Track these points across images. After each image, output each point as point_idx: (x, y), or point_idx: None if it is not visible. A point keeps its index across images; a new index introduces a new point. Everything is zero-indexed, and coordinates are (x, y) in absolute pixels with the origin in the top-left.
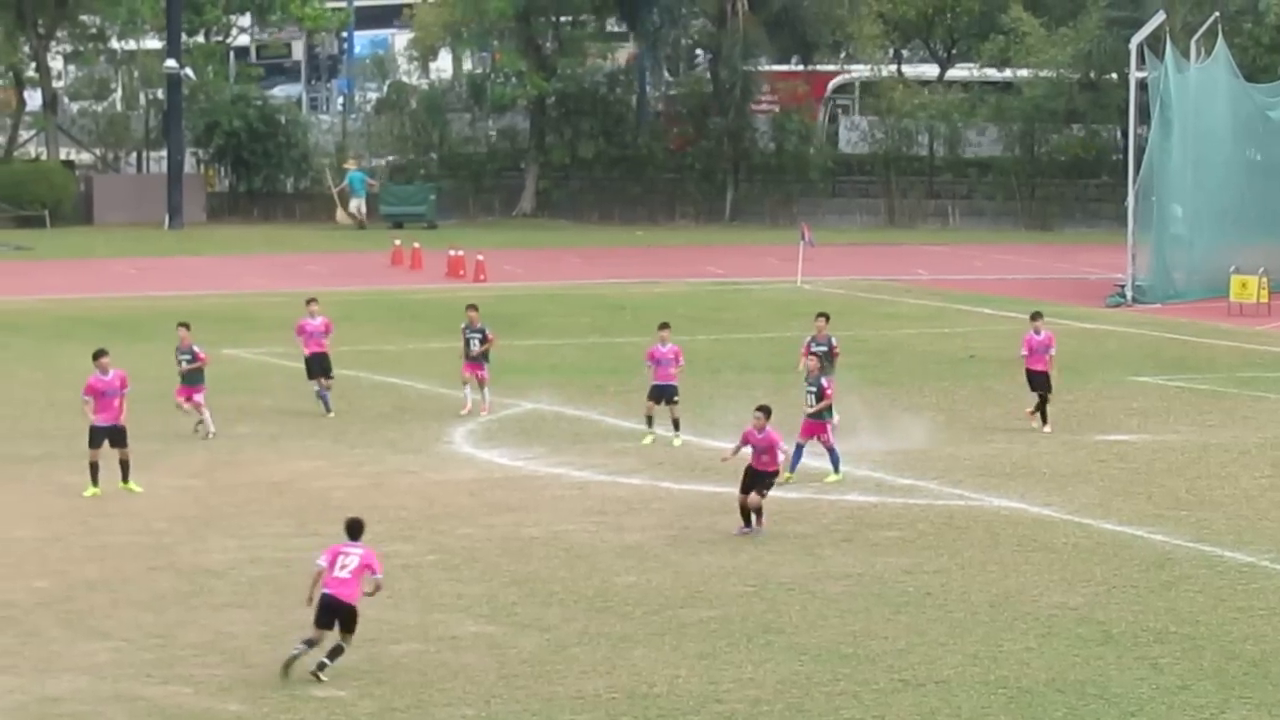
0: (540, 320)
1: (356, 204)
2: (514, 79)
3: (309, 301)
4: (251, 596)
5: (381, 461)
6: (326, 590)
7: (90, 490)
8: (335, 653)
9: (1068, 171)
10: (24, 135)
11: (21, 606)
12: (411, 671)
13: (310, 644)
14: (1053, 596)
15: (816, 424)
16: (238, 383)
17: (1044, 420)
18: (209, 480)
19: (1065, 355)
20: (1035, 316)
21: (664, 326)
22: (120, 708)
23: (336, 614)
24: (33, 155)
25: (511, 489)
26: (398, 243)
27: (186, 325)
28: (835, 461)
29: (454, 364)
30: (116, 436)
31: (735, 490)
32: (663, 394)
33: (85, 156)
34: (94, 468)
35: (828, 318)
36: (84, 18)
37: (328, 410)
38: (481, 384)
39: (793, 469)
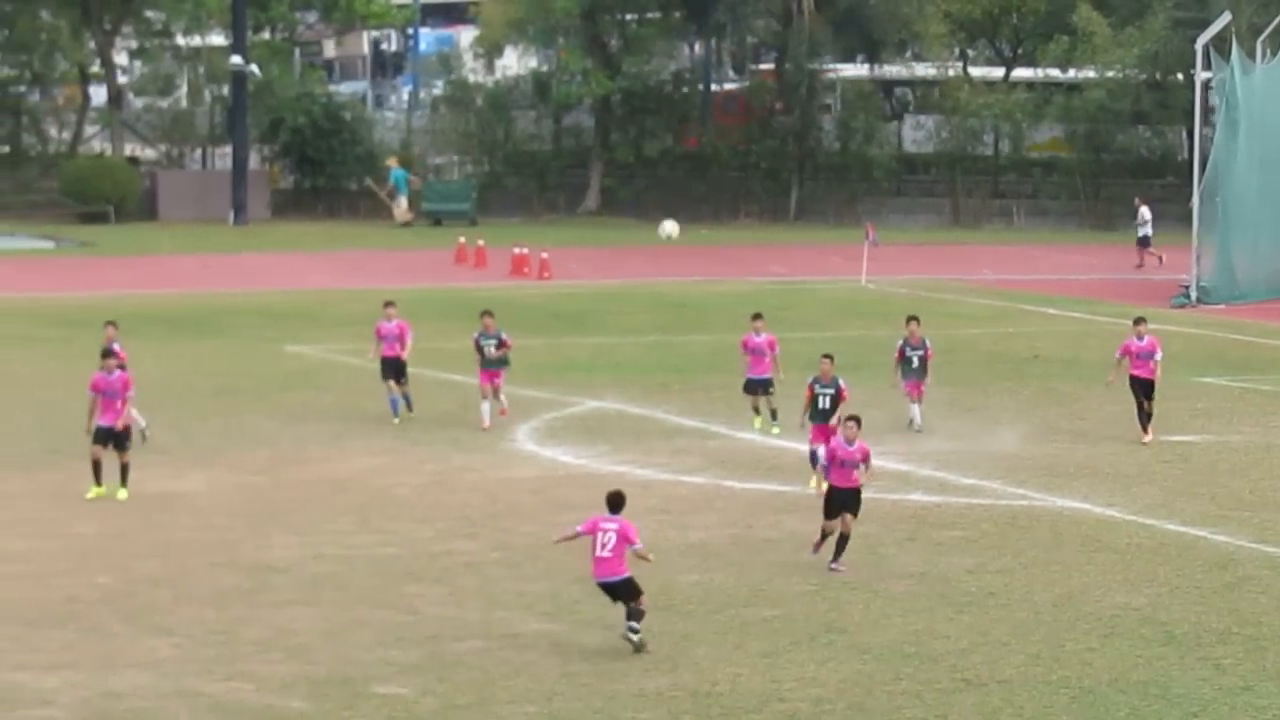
0: (603, 318)
1: (401, 201)
2: (579, 77)
3: (386, 304)
4: (314, 593)
5: (445, 459)
6: (596, 576)
7: (93, 491)
8: (633, 615)
9: (1133, 172)
10: (89, 131)
11: (84, 602)
12: (474, 669)
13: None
14: (1116, 597)
15: (825, 428)
16: (301, 379)
17: (1144, 428)
18: (272, 476)
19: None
20: (1138, 322)
21: (757, 317)
22: (182, 704)
23: (614, 592)
24: (97, 151)
25: (575, 487)
26: (462, 240)
27: (114, 323)
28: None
29: (519, 360)
30: (119, 439)
31: (797, 487)
32: (758, 386)
33: (150, 153)
34: (96, 466)
35: (919, 321)
36: (149, 14)
37: (409, 408)
38: (497, 391)
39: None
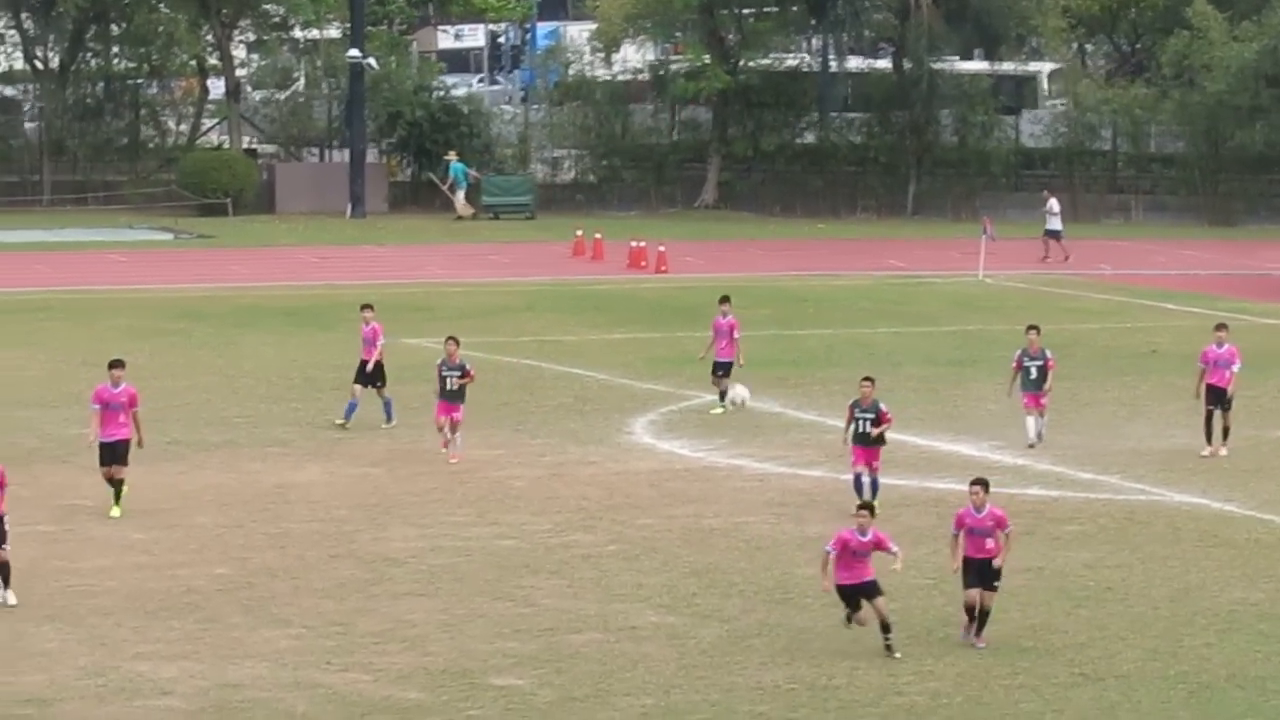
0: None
1: (461, 195)
2: (697, 72)
3: (363, 307)
4: (431, 585)
5: (562, 451)
6: (839, 582)
7: (114, 510)
8: (885, 629)
9: (1252, 167)
10: (207, 124)
11: (203, 593)
12: (591, 661)
13: (849, 619)
14: (1233, 592)
15: (870, 450)
16: (419, 372)
17: (1208, 438)
18: (389, 469)
19: (1247, 351)
20: (1219, 328)
21: (724, 300)
22: (300, 695)
23: (860, 593)
24: (215, 144)
25: (692, 480)
26: (579, 233)
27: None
28: (875, 491)
29: (636, 354)
30: (120, 452)
31: (914, 481)
32: (720, 369)
33: (267, 145)
34: (110, 482)
35: (1039, 330)
36: (267, 6)
37: (388, 418)
38: (454, 427)
39: (874, 495)
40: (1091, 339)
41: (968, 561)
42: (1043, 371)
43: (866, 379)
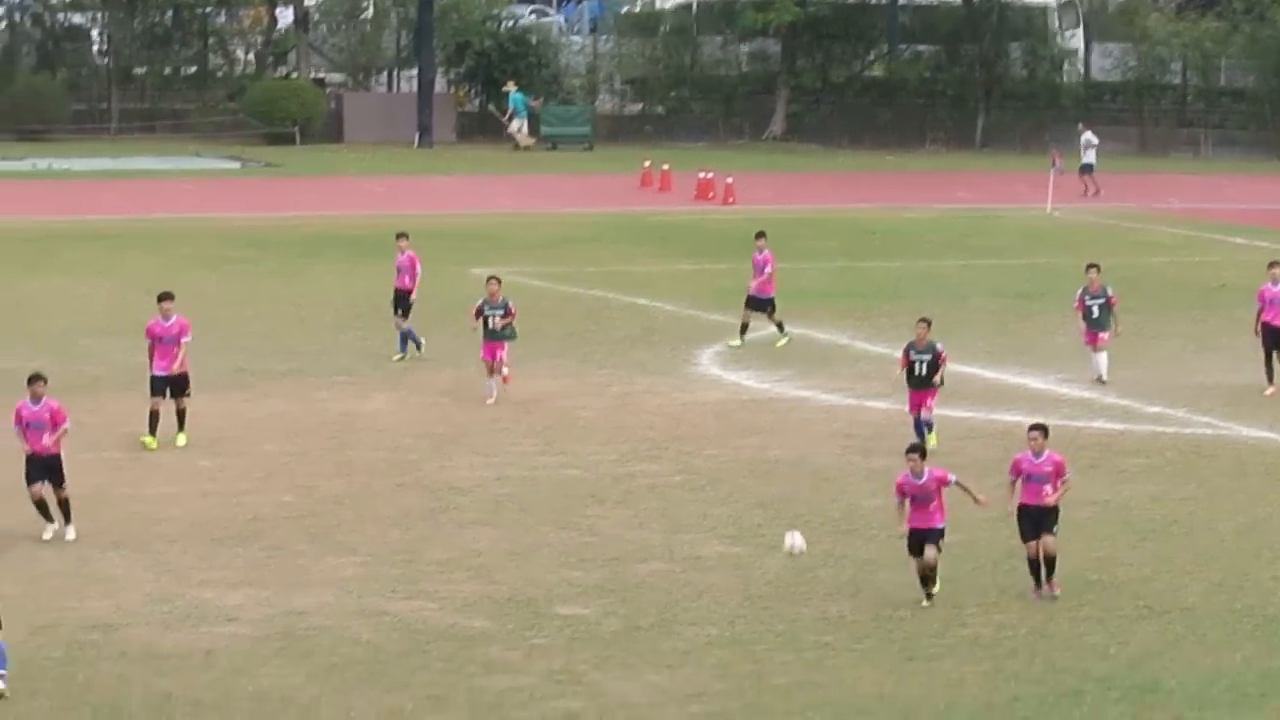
0: (788, 244)
1: (519, 125)
2: (766, 3)
3: (399, 236)
4: (497, 514)
5: (629, 382)
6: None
7: (149, 440)
8: (927, 580)
9: None
10: (275, 53)
11: (269, 520)
12: (656, 591)
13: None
14: None
15: (923, 393)
16: None
17: (1269, 377)
18: (456, 397)
19: None
20: (1273, 265)
21: (760, 235)
22: (365, 623)
23: (923, 538)
24: (283, 73)
25: (758, 411)
26: (647, 164)
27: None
28: (930, 427)
29: (703, 285)
30: (176, 386)
31: (984, 414)
32: (756, 304)
33: (335, 75)
34: (153, 417)
35: (1099, 268)
36: None
37: (416, 347)
38: (498, 367)
39: (929, 431)
40: (1159, 273)
41: (1023, 510)
42: (1105, 309)
43: (923, 320)
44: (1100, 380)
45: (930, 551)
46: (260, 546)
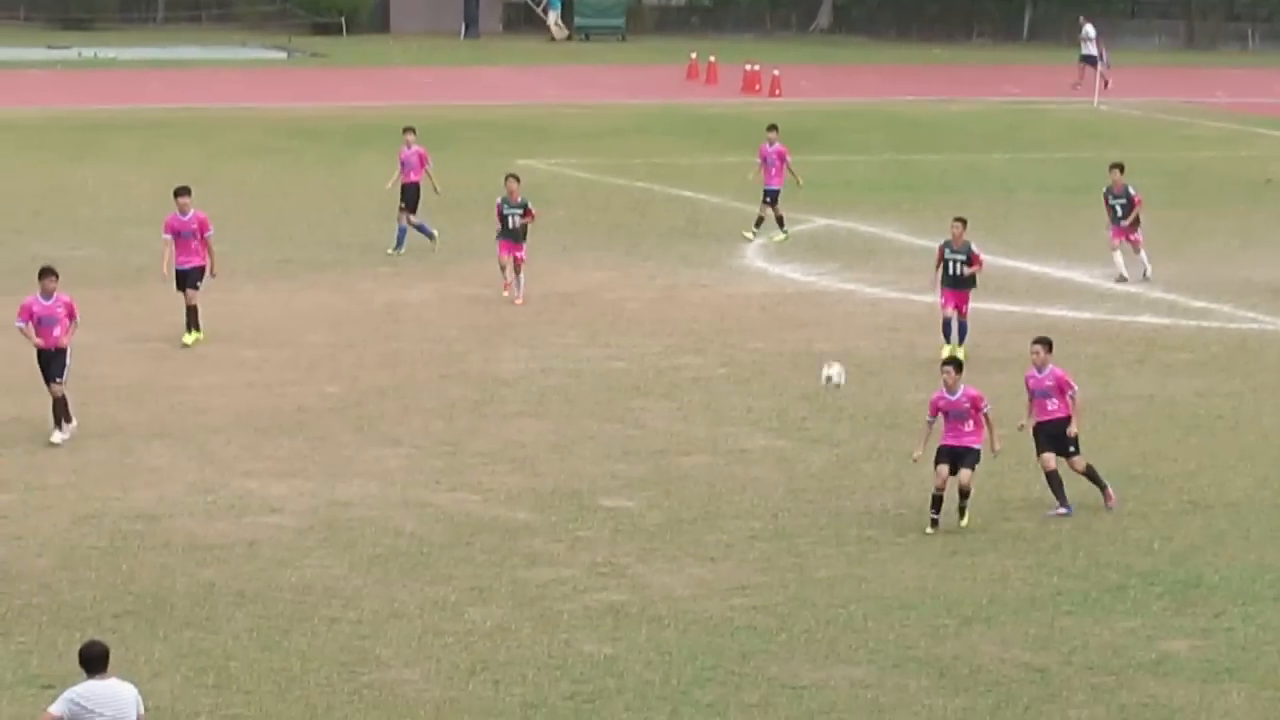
0: (835, 136)
1: (554, 16)
2: None
3: (406, 130)
4: (542, 406)
5: (674, 274)
6: (942, 442)
7: (191, 337)
8: (963, 494)
9: None
10: None
11: (314, 411)
12: (700, 483)
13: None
14: None
15: (960, 293)
16: (532, 194)
17: None
18: (500, 290)
19: None
20: None
21: (772, 128)
22: (409, 514)
23: (957, 457)
24: None
25: (803, 304)
26: (693, 56)
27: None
28: (964, 335)
29: (745, 178)
30: (191, 278)
31: (1029, 309)
32: (768, 195)
33: None
34: (190, 311)
35: (1122, 168)
36: None
37: (398, 246)
38: (518, 267)
39: (961, 340)
40: (1206, 167)
41: (1036, 426)
42: (1127, 208)
43: (958, 219)
44: (1122, 279)
45: (964, 473)
46: (304, 437)
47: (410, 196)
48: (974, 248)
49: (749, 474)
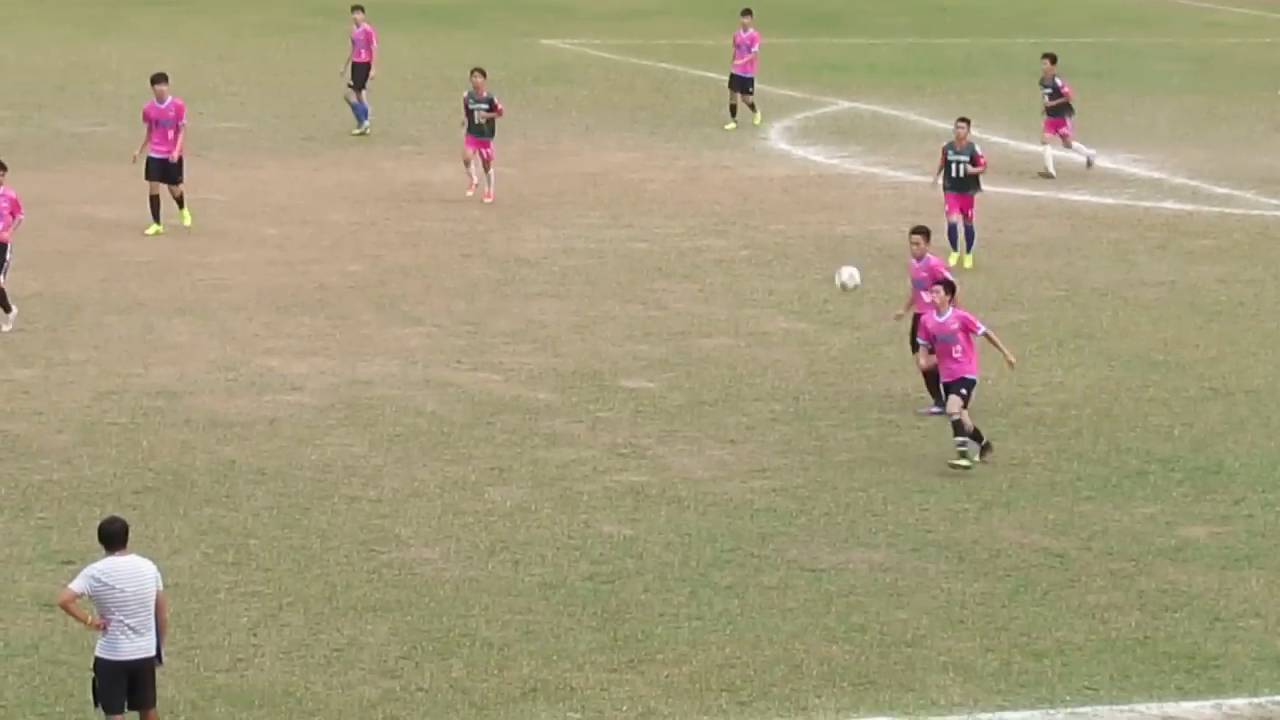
0: (859, 19)
1: None
2: None
3: (354, 9)
4: (563, 286)
5: (697, 156)
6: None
7: (152, 227)
8: (957, 429)
9: None
10: None
11: (335, 289)
12: (721, 365)
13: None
14: None
15: (965, 197)
16: (555, 73)
17: None
18: (524, 169)
19: None
20: None
21: (746, 13)
22: (430, 393)
23: (945, 387)
24: None
25: (826, 187)
26: None
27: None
28: (971, 241)
29: (774, 59)
30: (172, 171)
31: (1051, 193)
32: (738, 83)
33: None
34: (154, 202)
35: (1054, 59)
36: None
37: (360, 124)
38: (486, 164)
39: (969, 247)
40: (1230, 54)
41: (915, 317)
42: (1054, 99)
43: (962, 119)
44: (1047, 174)
45: (954, 401)
46: (326, 316)
47: (359, 75)
48: (978, 149)
49: (770, 356)
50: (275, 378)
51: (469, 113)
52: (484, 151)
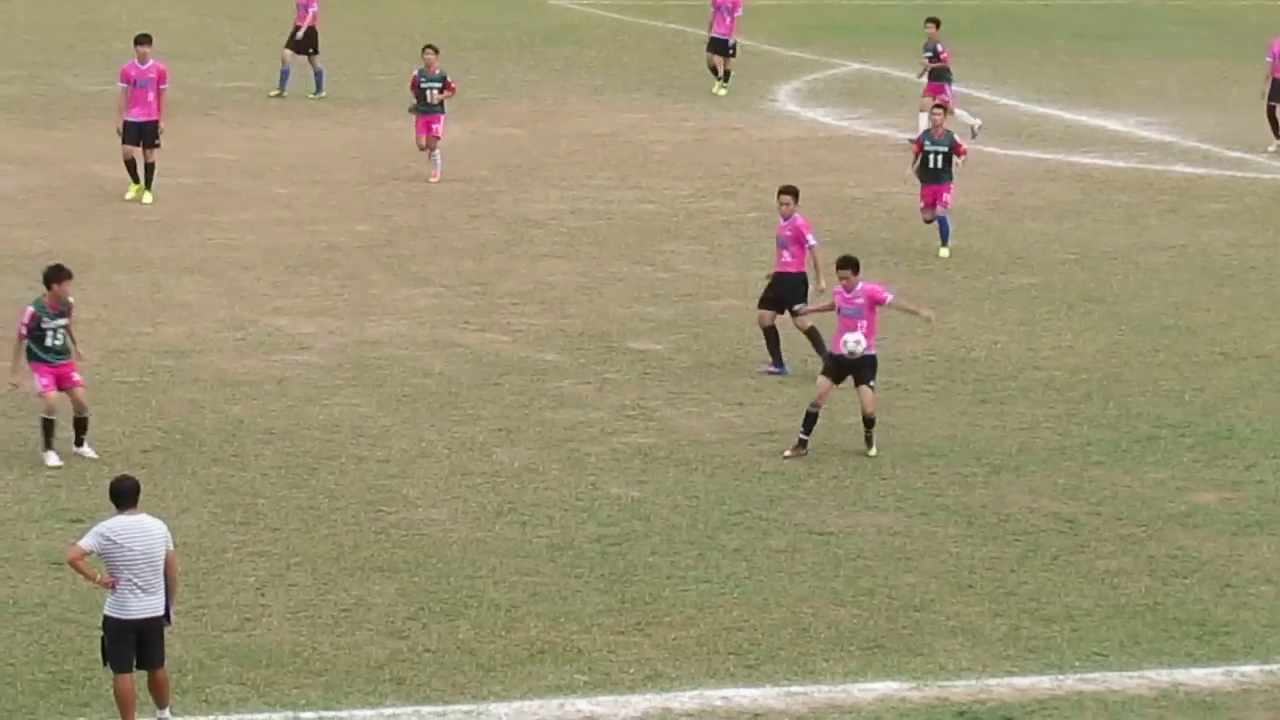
0: None
1: None
2: None
3: None
4: (571, 247)
5: (706, 117)
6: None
7: (131, 190)
8: (869, 423)
9: None
10: None
11: (343, 249)
12: (729, 327)
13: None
14: None
15: (937, 188)
16: (564, 33)
17: (1275, 132)
18: (532, 130)
19: None
20: None
21: None
22: (438, 353)
23: (851, 370)
24: None
25: (835, 149)
26: None
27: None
28: (945, 234)
29: (782, 20)
30: (148, 134)
31: (1060, 155)
32: (717, 46)
33: None
34: (130, 165)
35: (938, 23)
36: None
37: (318, 89)
38: (433, 143)
39: (944, 240)
40: (1242, 17)
41: (772, 278)
42: (933, 61)
43: (938, 105)
44: (973, 133)
45: (865, 392)
46: (334, 275)
47: (306, 39)
48: (957, 137)
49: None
50: (283, 337)
51: (420, 91)
52: (434, 128)
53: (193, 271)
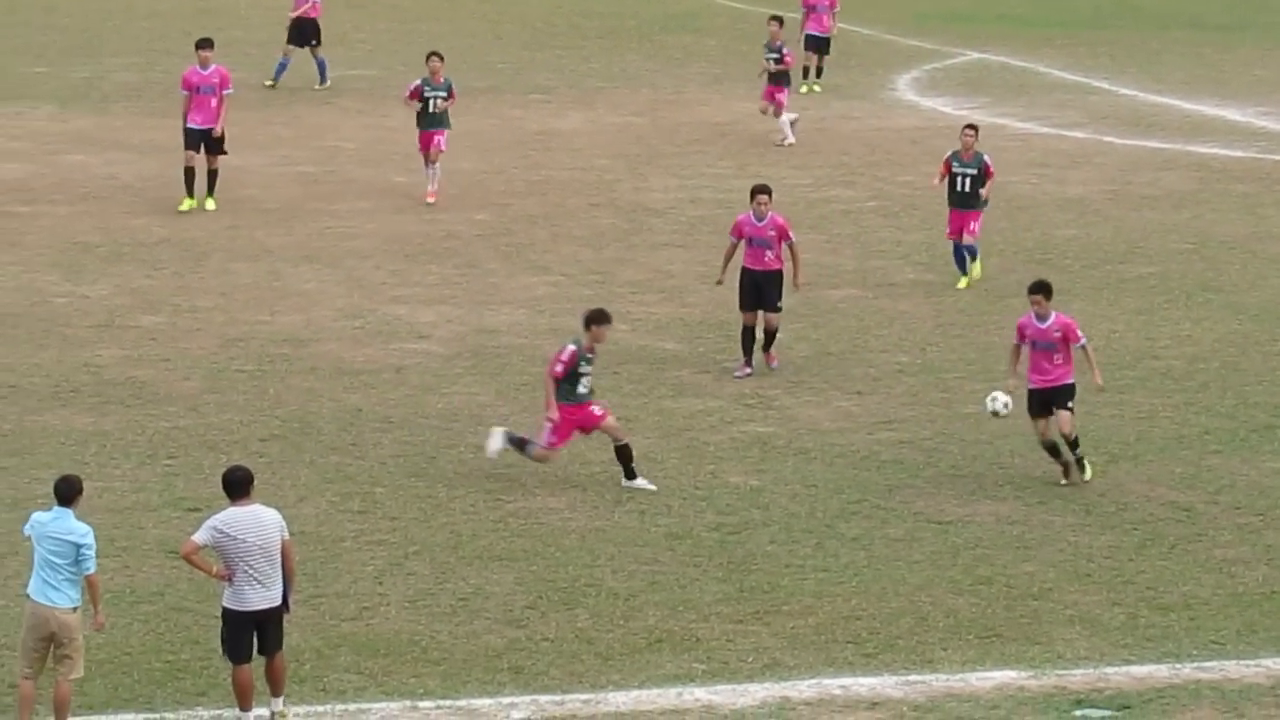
0: None
1: None
2: None
3: None
4: (690, 236)
5: (824, 106)
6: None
7: (185, 203)
8: (1073, 444)
9: None
10: None
11: (462, 238)
12: (848, 316)
13: None
14: None
15: (965, 214)
16: (684, 22)
17: None
18: (652, 119)
19: None
20: None
21: None
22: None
23: (1049, 399)
24: None
25: (954, 138)
26: None
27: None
28: (972, 258)
29: (902, 9)
30: (211, 142)
31: (1178, 145)
32: (813, 44)
33: None
34: (189, 174)
35: (781, 21)
36: None
37: (322, 80)
38: (435, 157)
39: (972, 258)
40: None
41: (744, 273)
42: (776, 63)
43: (969, 127)
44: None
45: (1064, 416)
46: (453, 264)
47: (309, 30)
48: (987, 159)
49: (897, 307)
50: (402, 326)
51: (424, 100)
52: (437, 141)
53: (311, 260)
